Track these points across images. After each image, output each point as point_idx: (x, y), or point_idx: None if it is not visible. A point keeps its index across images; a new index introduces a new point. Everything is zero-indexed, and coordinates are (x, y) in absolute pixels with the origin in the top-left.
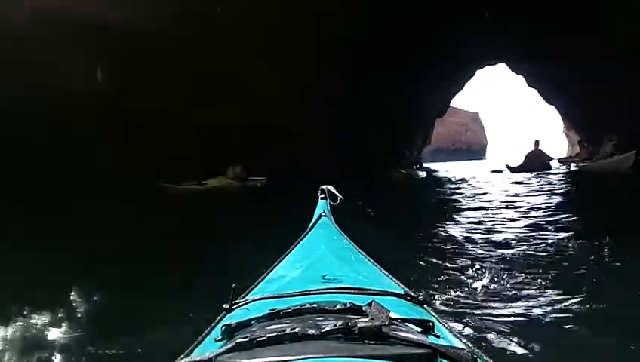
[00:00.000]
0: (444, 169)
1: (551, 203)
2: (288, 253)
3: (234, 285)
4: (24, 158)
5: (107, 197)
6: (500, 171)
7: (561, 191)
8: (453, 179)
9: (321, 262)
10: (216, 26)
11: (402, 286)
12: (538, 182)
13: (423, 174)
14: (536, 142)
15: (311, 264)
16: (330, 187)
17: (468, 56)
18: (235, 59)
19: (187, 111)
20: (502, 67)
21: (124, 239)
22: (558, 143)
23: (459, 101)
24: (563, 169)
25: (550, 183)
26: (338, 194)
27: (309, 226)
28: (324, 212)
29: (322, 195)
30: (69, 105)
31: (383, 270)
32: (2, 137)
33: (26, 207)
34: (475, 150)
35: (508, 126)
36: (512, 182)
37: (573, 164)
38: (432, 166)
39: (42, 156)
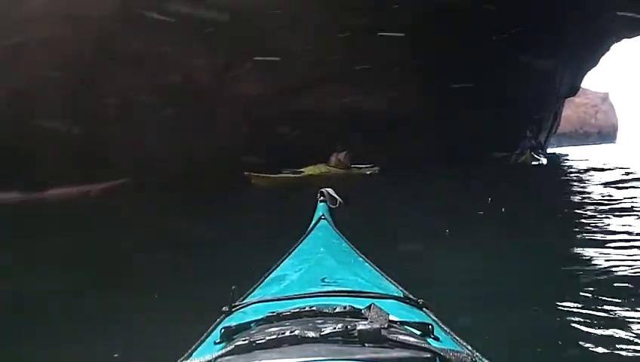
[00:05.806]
0: (575, 154)
1: None
2: (287, 256)
3: (233, 287)
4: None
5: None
6: None
7: None
8: (597, 168)
9: (320, 264)
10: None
11: (401, 289)
12: None
13: (543, 161)
14: None
15: (310, 267)
16: (329, 190)
17: (605, 27)
18: (344, 42)
19: (290, 97)
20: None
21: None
22: None
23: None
24: None
25: None
26: (337, 198)
27: (309, 229)
28: (323, 214)
29: (322, 198)
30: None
31: (383, 273)
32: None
33: None
34: (605, 134)
35: None
36: None
37: None
38: (559, 150)
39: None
